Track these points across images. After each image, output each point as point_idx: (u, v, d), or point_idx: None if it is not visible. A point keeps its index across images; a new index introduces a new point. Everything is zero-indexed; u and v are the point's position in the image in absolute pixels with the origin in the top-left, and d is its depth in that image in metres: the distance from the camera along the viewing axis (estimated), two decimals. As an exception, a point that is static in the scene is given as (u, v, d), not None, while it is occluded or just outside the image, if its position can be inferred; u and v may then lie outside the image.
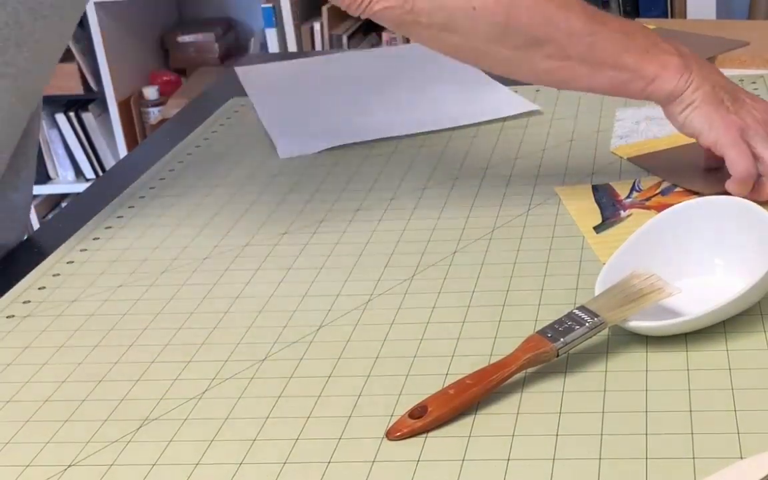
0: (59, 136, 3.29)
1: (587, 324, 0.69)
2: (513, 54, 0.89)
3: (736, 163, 0.87)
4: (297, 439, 0.64)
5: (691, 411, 0.63)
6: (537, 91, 1.26)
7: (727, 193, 0.87)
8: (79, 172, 3.31)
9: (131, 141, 3.21)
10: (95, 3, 3.02)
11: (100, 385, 0.73)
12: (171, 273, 0.88)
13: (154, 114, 3.18)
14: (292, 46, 3.11)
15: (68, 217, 1.14)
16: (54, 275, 0.90)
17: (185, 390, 0.71)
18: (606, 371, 0.68)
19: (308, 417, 0.66)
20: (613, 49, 0.88)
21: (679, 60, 0.88)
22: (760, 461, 0.56)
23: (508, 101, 1.23)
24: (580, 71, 0.89)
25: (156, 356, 0.75)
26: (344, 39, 3.13)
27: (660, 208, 0.87)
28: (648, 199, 0.93)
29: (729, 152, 0.87)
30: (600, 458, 0.59)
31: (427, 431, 0.63)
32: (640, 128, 1.11)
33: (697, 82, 0.88)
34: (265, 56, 2.65)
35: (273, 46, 3.12)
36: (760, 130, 0.88)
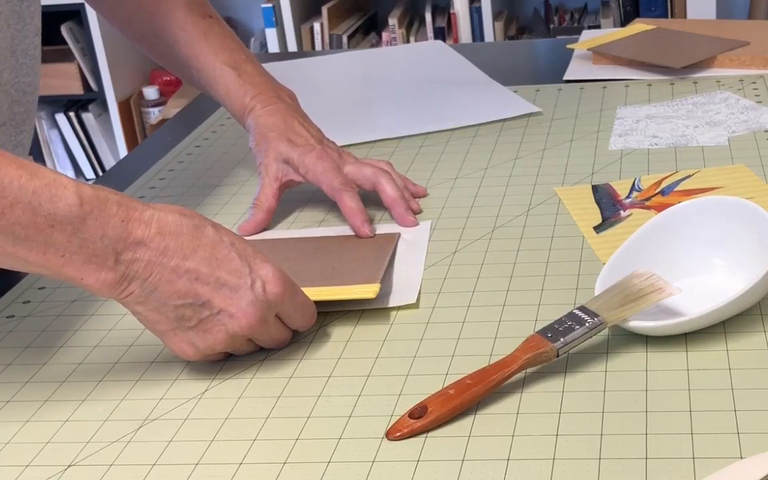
0: (59, 136, 3.29)
1: (587, 324, 0.69)
2: None
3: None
4: (297, 439, 0.64)
5: (691, 411, 0.63)
6: (537, 91, 1.26)
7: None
8: (79, 172, 3.31)
9: (131, 141, 3.21)
10: (95, 3, 3.02)
11: (100, 385, 0.73)
12: (171, 273, 0.88)
13: (154, 114, 3.18)
14: (292, 46, 3.11)
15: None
16: (54, 275, 0.90)
17: (185, 390, 0.71)
18: (606, 371, 0.68)
19: (308, 417, 0.66)
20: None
21: (114, 265, 0.67)
22: (760, 461, 0.56)
23: (509, 102, 1.23)
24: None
25: (156, 356, 0.75)
26: (344, 39, 3.14)
27: (660, 208, 0.87)
28: (648, 199, 0.93)
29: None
30: (600, 458, 0.59)
31: (427, 431, 0.63)
32: (640, 126, 1.11)
33: (137, 296, 0.69)
34: (265, 56, 2.64)
35: (273, 46, 3.12)
36: (223, 349, 0.72)
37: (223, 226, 0.73)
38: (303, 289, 0.76)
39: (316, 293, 0.77)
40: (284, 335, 0.74)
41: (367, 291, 0.78)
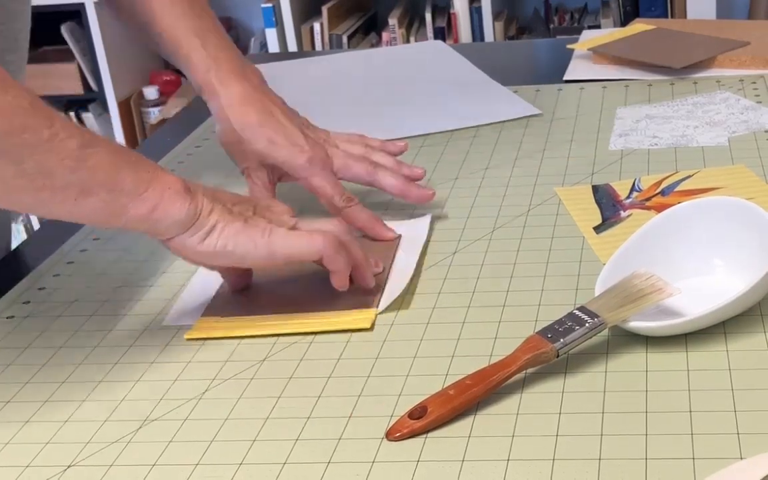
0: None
1: (587, 324, 0.69)
2: None
3: (312, 252, 0.77)
4: (297, 439, 0.64)
5: (691, 411, 0.63)
6: (537, 91, 1.26)
7: None
8: (79, 172, 3.31)
9: (131, 141, 3.21)
10: (95, 3, 3.02)
11: (100, 385, 0.73)
12: (171, 274, 0.88)
13: (154, 114, 3.18)
14: (292, 46, 3.11)
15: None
16: (54, 275, 0.90)
17: (185, 390, 0.71)
18: (606, 371, 0.68)
19: (308, 417, 0.66)
20: (108, 170, 0.71)
21: (182, 185, 0.75)
22: (760, 461, 0.55)
23: (509, 103, 1.23)
24: (60, 196, 0.70)
25: (156, 356, 0.75)
26: (344, 39, 3.14)
27: (660, 208, 0.87)
28: (648, 199, 0.93)
29: (305, 249, 0.77)
30: (600, 458, 0.59)
31: (427, 431, 0.63)
32: (640, 126, 1.11)
33: (207, 205, 0.75)
34: (265, 56, 2.65)
35: (273, 46, 3.12)
36: (282, 222, 0.78)
37: None
38: (292, 316, 0.77)
39: (306, 324, 0.76)
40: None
41: (362, 320, 0.76)
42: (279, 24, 3.12)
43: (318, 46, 3.13)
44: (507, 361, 0.67)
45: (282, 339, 0.76)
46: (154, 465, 0.63)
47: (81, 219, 0.74)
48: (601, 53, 1.35)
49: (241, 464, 0.62)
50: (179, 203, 0.74)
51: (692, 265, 0.77)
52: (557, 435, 0.62)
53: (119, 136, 3.20)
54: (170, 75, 3.28)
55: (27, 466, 0.64)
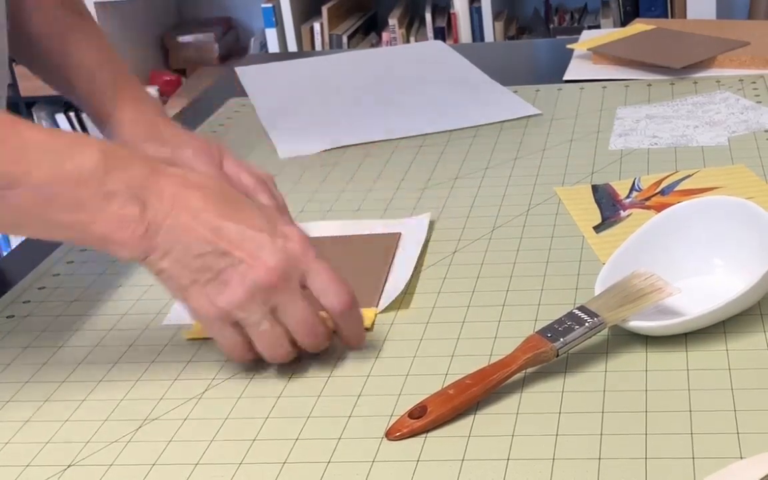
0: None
1: (587, 324, 0.69)
2: None
3: (226, 352, 0.71)
4: (297, 439, 0.64)
5: (691, 411, 0.63)
6: (537, 91, 1.26)
7: None
8: (79, 172, 3.31)
9: (131, 141, 3.21)
10: (95, 3, 3.03)
11: (100, 385, 0.73)
12: (171, 273, 0.88)
13: (154, 114, 3.17)
14: (292, 46, 3.11)
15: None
16: (54, 275, 0.90)
17: (185, 390, 0.71)
18: (606, 371, 0.68)
19: (308, 417, 0.66)
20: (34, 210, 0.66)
21: (140, 214, 0.66)
22: (760, 461, 0.56)
23: (509, 103, 1.23)
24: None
25: (156, 356, 0.75)
26: (344, 39, 3.14)
27: (660, 208, 0.87)
28: (648, 198, 0.93)
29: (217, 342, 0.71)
30: (600, 458, 0.59)
31: (427, 431, 0.63)
32: (640, 126, 1.11)
33: (162, 248, 0.67)
34: (265, 56, 2.64)
35: (273, 46, 3.12)
36: (242, 311, 0.68)
37: None
38: None
39: None
40: (309, 314, 0.69)
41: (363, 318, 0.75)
42: (279, 24, 3.12)
43: (318, 46, 3.13)
44: (507, 361, 0.67)
45: (282, 339, 0.76)
46: (154, 465, 0.63)
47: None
48: (601, 53, 1.36)
49: (241, 464, 0.62)
50: (128, 246, 0.67)
51: (692, 265, 0.77)
52: (557, 435, 0.62)
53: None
54: (170, 75, 3.28)
55: (27, 466, 0.64)
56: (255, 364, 0.73)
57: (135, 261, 0.68)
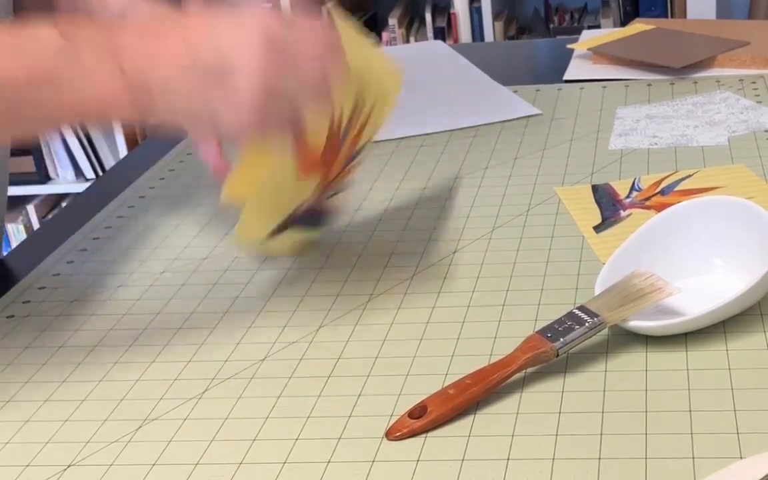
0: (59, 136, 3.29)
1: (587, 324, 0.69)
2: None
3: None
4: (297, 439, 0.64)
5: (691, 411, 0.63)
6: (537, 91, 1.26)
7: None
8: (79, 172, 3.31)
9: (131, 141, 3.21)
10: (95, 3, 3.02)
11: (100, 385, 0.73)
12: (171, 273, 0.88)
13: (154, 114, 3.18)
14: (292, 46, 3.10)
15: (68, 216, 1.14)
16: (54, 275, 0.90)
17: (185, 390, 0.71)
18: (606, 371, 0.68)
19: (308, 417, 0.66)
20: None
21: (120, 75, 0.66)
22: (760, 461, 0.56)
23: (509, 103, 1.23)
24: None
25: (156, 356, 0.75)
26: (344, 39, 3.13)
27: (660, 207, 0.87)
28: (648, 198, 0.93)
29: None
30: (600, 458, 0.59)
31: (427, 431, 0.63)
32: (640, 126, 1.11)
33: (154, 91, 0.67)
34: (265, 56, 2.64)
35: (273, 46, 3.12)
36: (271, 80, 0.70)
37: None
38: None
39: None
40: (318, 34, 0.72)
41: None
42: (279, 24, 3.12)
43: (318, 46, 3.13)
44: (507, 361, 0.67)
45: (282, 339, 0.76)
46: (154, 465, 0.63)
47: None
48: (601, 53, 1.35)
49: (241, 464, 0.62)
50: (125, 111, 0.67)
51: (692, 265, 0.77)
52: (557, 434, 0.62)
53: (119, 136, 3.20)
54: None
55: (27, 466, 0.64)
56: (255, 364, 0.73)
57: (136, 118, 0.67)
